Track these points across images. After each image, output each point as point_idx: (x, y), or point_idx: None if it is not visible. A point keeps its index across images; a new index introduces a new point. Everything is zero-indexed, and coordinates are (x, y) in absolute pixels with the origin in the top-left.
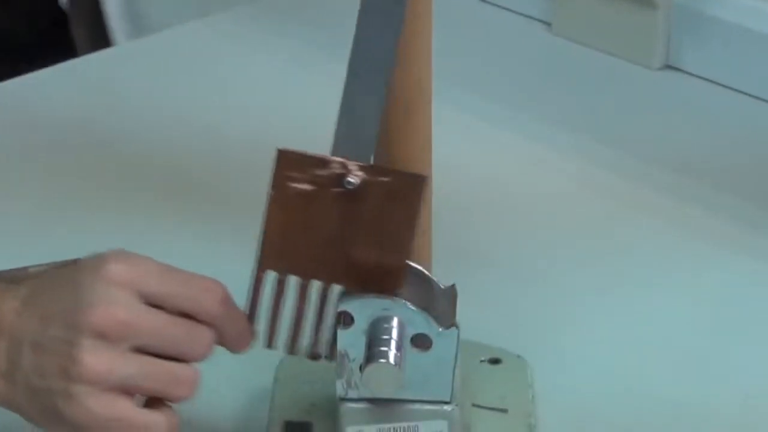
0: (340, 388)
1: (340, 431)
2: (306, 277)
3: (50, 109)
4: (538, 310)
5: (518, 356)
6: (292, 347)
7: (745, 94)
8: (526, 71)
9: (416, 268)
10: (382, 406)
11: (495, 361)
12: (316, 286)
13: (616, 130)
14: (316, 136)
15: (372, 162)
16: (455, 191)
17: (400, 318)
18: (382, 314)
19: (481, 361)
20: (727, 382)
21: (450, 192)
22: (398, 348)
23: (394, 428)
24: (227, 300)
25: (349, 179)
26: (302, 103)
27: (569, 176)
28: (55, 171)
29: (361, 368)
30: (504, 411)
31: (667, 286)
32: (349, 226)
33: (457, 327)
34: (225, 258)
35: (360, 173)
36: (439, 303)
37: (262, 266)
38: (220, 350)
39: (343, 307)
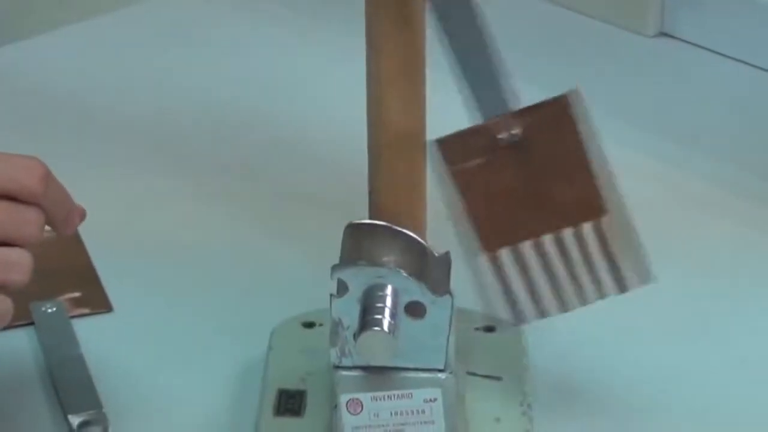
0: (334, 356)
1: (334, 399)
2: (531, 237)
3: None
4: None
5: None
6: (562, 307)
7: (740, 61)
8: (520, 39)
9: (410, 236)
10: (376, 374)
11: (489, 329)
12: (548, 239)
13: (610, 97)
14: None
15: (510, 109)
16: None
17: (394, 286)
18: (375, 282)
19: (476, 328)
20: (721, 348)
21: None
22: (392, 316)
23: (388, 396)
24: (48, 176)
25: (513, 131)
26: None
27: None
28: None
29: (355, 336)
30: (498, 379)
31: (660, 254)
32: (530, 175)
33: (451, 294)
34: (220, 221)
35: (516, 122)
36: (434, 270)
37: (488, 250)
38: (211, 320)
39: (336, 275)
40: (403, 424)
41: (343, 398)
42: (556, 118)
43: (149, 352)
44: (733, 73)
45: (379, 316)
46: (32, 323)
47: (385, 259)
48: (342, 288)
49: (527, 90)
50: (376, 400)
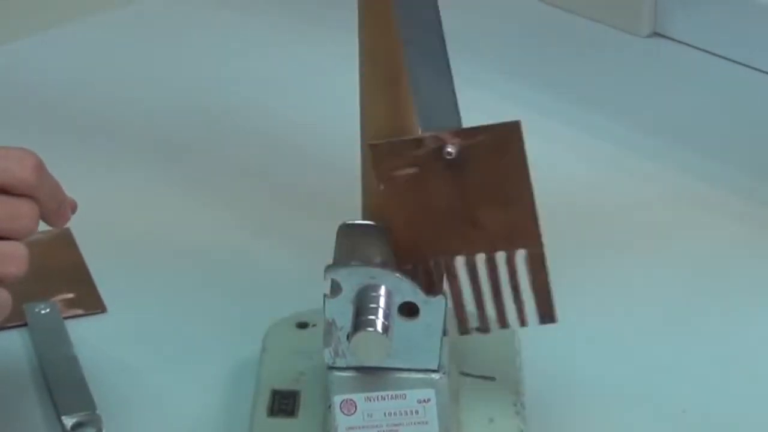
0: (327, 357)
1: (328, 400)
2: (442, 256)
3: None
4: None
5: None
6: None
7: (734, 61)
8: (515, 39)
9: None
10: (370, 374)
11: (482, 330)
12: (459, 261)
13: (604, 97)
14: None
15: (461, 126)
16: None
17: (387, 286)
18: (369, 282)
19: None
20: (713, 346)
21: None
22: (386, 316)
23: (381, 396)
24: (40, 167)
25: (448, 149)
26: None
27: (557, 143)
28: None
29: (348, 337)
30: (492, 379)
31: (652, 251)
32: (464, 194)
33: (444, 295)
34: (214, 221)
35: (455, 140)
36: None
37: (402, 263)
38: (205, 320)
39: (330, 276)
40: (396, 425)
41: (337, 399)
42: (500, 143)
43: (143, 353)
44: (727, 73)
45: (373, 317)
46: (26, 324)
47: (378, 259)
48: (335, 288)
49: (520, 90)
50: (370, 400)
